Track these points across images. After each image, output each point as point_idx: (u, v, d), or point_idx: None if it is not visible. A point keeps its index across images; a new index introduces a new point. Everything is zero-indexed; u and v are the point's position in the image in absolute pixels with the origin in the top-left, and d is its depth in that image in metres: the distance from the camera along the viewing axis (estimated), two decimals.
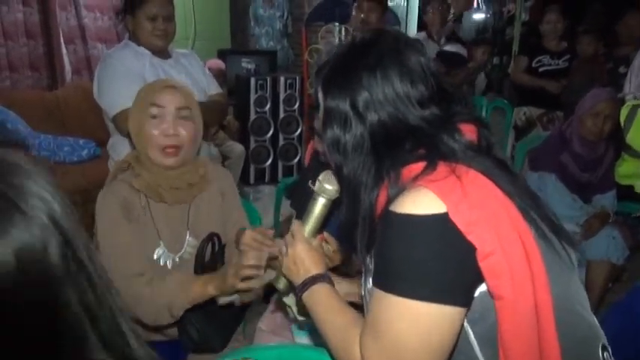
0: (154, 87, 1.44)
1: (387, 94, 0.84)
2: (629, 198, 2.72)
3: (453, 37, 3.90)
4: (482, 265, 0.75)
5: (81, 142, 3.51)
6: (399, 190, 0.80)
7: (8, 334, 0.45)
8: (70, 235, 0.49)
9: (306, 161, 2.54)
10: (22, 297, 0.45)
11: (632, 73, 3.38)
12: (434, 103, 0.86)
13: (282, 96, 4.29)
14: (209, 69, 2.65)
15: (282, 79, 4.27)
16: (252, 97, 4.16)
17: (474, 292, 0.79)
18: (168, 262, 1.44)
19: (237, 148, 3.90)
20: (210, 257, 1.48)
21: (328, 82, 0.90)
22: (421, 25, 6.65)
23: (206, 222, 1.48)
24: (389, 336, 0.78)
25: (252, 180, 4.33)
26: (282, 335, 1.53)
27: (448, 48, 3.71)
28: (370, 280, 0.87)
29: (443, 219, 0.75)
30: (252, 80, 4.16)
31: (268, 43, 4.74)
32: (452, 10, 4.36)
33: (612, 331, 0.98)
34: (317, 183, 1.03)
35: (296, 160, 4.48)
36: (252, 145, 4.30)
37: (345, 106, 0.86)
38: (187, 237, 1.46)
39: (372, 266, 0.86)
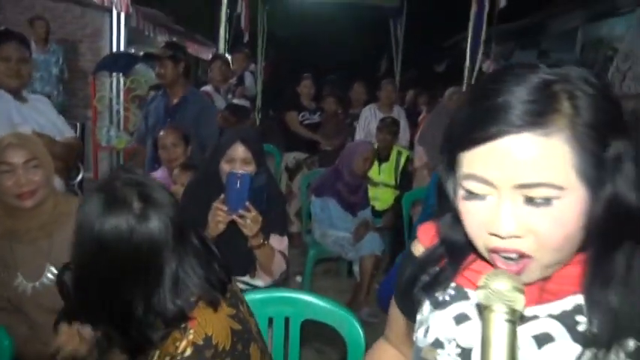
0: (1, 144, 1.55)
1: None
2: (372, 214, 3.86)
3: (235, 92, 4.65)
4: None
5: None
6: None
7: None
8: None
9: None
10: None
11: (359, 127, 4.72)
12: None
13: None
14: None
15: None
16: None
17: None
18: (26, 289, 1.60)
19: None
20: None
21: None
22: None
23: (66, 252, 1.56)
24: None
25: None
26: None
27: (236, 101, 4.44)
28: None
29: None
30: None
31: (44, 88, 4.64)
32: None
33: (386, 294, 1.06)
34: (480, 291, 0.61)
35: None
36: None
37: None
38: (48, 266, 1.60)
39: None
